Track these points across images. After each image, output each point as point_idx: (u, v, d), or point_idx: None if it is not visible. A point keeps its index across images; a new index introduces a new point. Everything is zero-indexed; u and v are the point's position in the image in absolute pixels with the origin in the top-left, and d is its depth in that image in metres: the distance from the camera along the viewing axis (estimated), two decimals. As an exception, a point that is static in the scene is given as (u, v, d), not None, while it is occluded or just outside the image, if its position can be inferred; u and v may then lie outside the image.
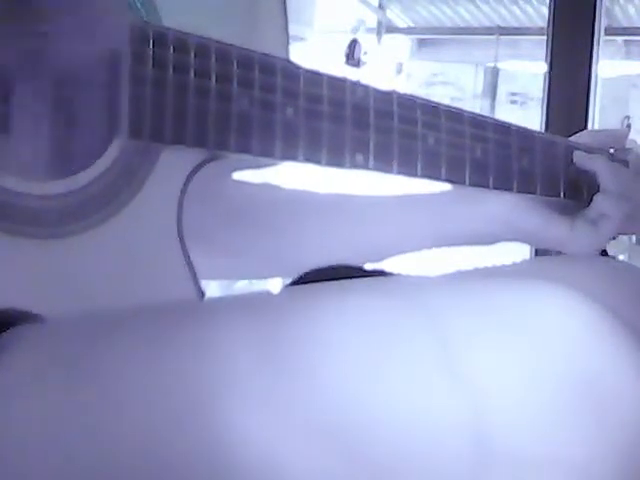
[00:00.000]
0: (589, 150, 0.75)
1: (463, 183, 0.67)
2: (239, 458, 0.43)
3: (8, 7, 0.55)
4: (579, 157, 0.74)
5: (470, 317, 0.47)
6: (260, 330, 0.47)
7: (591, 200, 0.74)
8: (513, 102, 5.14)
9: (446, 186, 0.75)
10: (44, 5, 0.56)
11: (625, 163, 0.76)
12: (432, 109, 0.66)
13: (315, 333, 0.46)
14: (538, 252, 1.76)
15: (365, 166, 0.62)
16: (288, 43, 0.64)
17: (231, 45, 0.57)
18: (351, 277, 0.54)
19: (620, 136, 0.79)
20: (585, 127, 1.99)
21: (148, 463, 0.45)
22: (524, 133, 0.72)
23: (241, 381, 0.45)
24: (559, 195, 0.74)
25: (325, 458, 0.43)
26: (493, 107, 5.06)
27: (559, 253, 0.77)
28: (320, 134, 0.60)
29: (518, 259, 0.69)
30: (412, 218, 0.78)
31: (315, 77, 0.60)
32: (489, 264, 0.66)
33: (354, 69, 3.91)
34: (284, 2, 0.64)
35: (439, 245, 0.78)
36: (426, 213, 0.77)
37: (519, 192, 0.71)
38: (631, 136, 0.81)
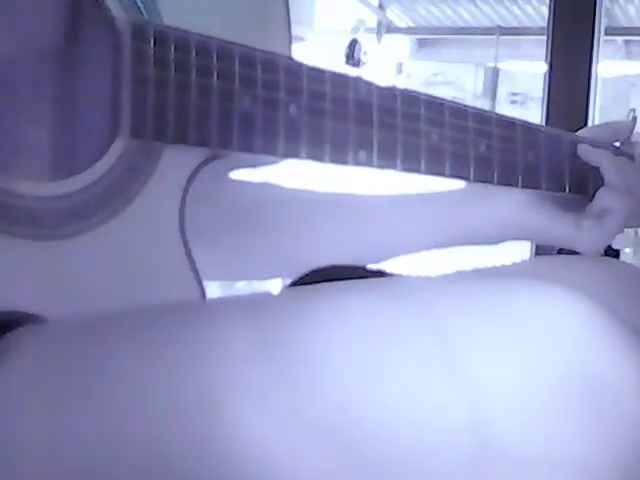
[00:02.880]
0: (594, 144, 0.75)
1: (467, 179, 0.67)
2: (239, 458, 0.43)
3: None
4: (583, 150, 0.74)
5: (470, 317, 0.47)
6: (260, 330, 0.47)
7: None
8: (513, 102, 5.14)
9: (451, 185, 0.75)
10: None
11: (631, 157, 0.76)
12: (435, 105, 0.66)
13: (315, 333, 0.46)
14: (538, 252, 1.75)
15: (368, 163, 0.62)
16: (291, 42, 0.64)
17: (233, 43, 0.57)
18: (351, 278, 0.54)
19: (624, 128, 0.79)
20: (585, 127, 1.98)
21: (149, 463, 0.45)
22: (528, 128, 0.71)
23: (241, 381, 0.45)
24: (564, 190, 0.73)
25: (325, 458, 0.43)
26: (493, 107, 5.06)
27: (559, 252, 0.77)
28: (323, 131, 0.60)
29: (518, 259, 0.69)
30: (417, 218, 0.77)
31: (318, 74, 0.60)
32: (489, 264, 0.66)
33: (354, 69, 3.91)
34: (287, 1, 0.64)
35: (444, 245, 0.78)
36: (430, 213, 0.77)
37: (524, 187, 0.71)
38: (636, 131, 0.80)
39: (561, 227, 0.74)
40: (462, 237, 0.77)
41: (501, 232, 0.76)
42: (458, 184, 0.74)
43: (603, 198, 0.73)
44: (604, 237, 0.73)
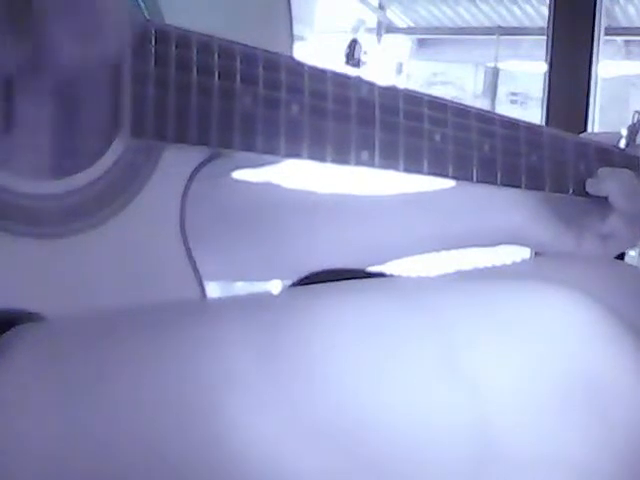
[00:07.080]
0: (600, 146, 0.75)
1: (470, 180, 0.67)
2: (240, 458, 0.43)
3: (8, 7, 0.55)
4: (590, 185, 0.74)
5: (471, 318, 0.47)
6: (261, 330, 0.47)
7: (596, 198, 0.74)
8: (513, 102, 5.15)
9: (453, 190, 0.75)
10: (45, 5, 0.56)
11: (636, 159, 0.76)
12: (438, 105, 0.65)
13: (316, 333, 0.47)
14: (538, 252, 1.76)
15: (371, 163, 0.61)
16: (293, 42, 0.63)
17: (234, 42, 0.57)
18: (351, 279, 0.54)
19: (615, 139, 0.79)
20: (585, 127, 1.99)
21: (149, 463, 0.45)
22: (532, 129, 0.71)
23: (242, 381, 0.45)
24: (568, 191, 0.73)
25: (326, 458, 0.43)
26: (493, 107, 5.07)
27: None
28: (325, 131, 0.60)
29: (518, 259, 0.69)
30: (417, 220, 0.77)
31: (319, 73, 0.60)
32: (489, 264, 0.66)
33: (354, 69, 3.92)
34: (289, 1, 0.63)
35: (445, 248, 0.78)
36: (431, 215, 0.77)
37: (527, 189, 0.70)
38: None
39: (562, 243, 0.74)
40: (462, 241, 0.77)
41: (501, 240, 0.76)
42: (462, 188, 0.74)
43: (614, 224, 0.73)
44: (604, 256, 0.73)
